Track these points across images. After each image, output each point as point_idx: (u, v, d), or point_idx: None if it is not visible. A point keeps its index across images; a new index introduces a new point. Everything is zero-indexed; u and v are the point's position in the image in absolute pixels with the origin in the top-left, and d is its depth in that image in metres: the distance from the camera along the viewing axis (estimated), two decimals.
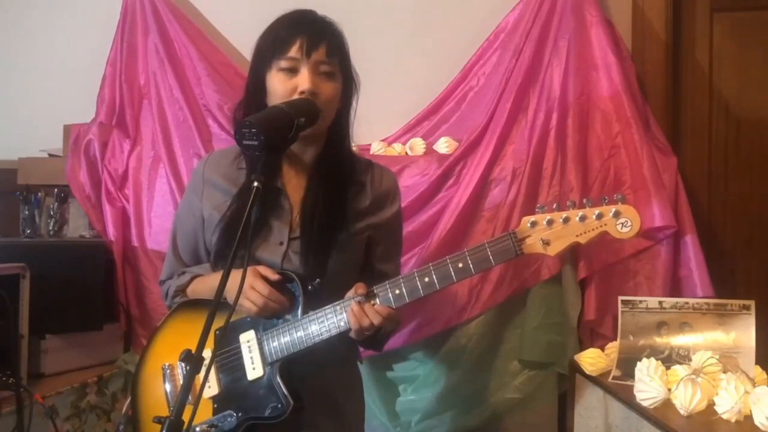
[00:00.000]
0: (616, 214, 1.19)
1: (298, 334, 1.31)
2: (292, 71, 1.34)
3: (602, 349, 1.74)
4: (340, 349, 1.39)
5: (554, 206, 1.23)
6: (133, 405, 1.44)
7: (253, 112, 1.35)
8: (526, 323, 2.01)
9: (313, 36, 1.35)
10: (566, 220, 1.21)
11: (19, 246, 2.03)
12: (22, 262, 1.81)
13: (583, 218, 1.21)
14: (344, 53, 1.42)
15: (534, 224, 1.23)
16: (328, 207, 1.38)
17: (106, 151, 2.30)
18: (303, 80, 1.33)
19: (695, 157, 2.29)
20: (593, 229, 1.20)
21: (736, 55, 2.29)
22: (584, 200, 1.23)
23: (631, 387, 1.49)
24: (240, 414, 1.31)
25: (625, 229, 1.19)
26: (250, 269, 1.29)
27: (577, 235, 1.21)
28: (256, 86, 1.40)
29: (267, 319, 1.34)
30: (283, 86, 1.34)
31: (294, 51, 1.34)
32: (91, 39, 2.46)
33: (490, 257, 1.24)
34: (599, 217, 1.20)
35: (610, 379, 1.59)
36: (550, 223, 1.22)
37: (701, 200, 2.27)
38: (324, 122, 1.38)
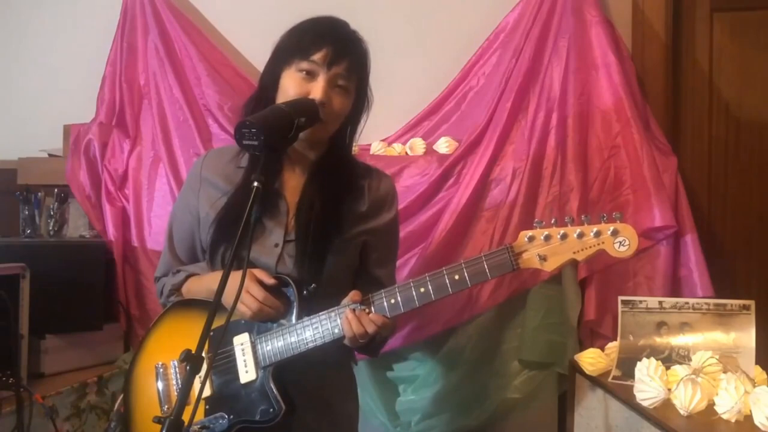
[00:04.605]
0: (614, 233, 1.19)
1: (292, 339, 1.30)
2: (310, 76, 1.34)
3: (602, 349, 1.74)
4: (334, 352, 1.38)
5: (552, 221, 1.23)
6: (125, 403, 1.44)
7: (263, 107, 1.35)
8: (526, 323, 2.01)
9: (339, 48, 1.35)
10: (564, 236, 1.21)
11: (19, 246, 2.03)
12: (22, 262, 1.81)
13: (581, 235, 1.21)
14: (364, 72, 1.42)
15: (531, 239, 1.23)
16: (324, 211, 1.38)
17: (106, 151, 2.30)
18: (317, 89, 1.33)
19: (695, 157, 2.29)
20: (590, 247, 1.20)
21: (736, 55, 2.29)
22: (582, 217, 1.22)
23: (631, 387, 1.49)
24: (232, 416, 1.31)
25: (622, 248, 1.19)
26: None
27: (574, 252, 1.21)
28: (270, 81, 1.40)
29: (261, 323, 1.34)
30: (296, 89, 1.34)
31: (317, 57, 1.33)
32: (91, 39, 2.46)
33: (487, 270, 1.24)
34: (597, 234, 1.20)
35: (610, 379, 1.59)
36: (547, 238, 1.22)
37: (701, 200, 2.27)
38: (326, 131, 1.39)
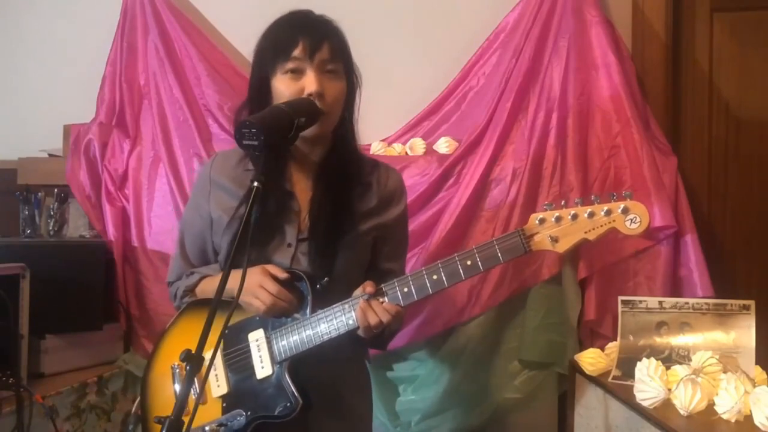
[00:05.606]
0: (625, 211, 1.19)
1: (307, 332, 1.31)
2: (297, 73, 1.34)
3: (602, 349, 1.74)
4: (348, 348, 1.39)
5: (562, 203, 1.23)
6: (142, 405, 1.44)
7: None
8: (526, 323, 2.01)
9: (315, 36, 1.35)
10: (575, 216, 1.21)
11: (19, 246, 2.03)
12: (22, 262, 1.81)
13: (591, 215, 1.21)
14: (346, 51, 1.42)
15: (542, 221, 1.23)
16: (334, 208, 1.38)
17: (106, 151, 2.30)
18: (309, 82, 1.33)
19: (695, 157, 2.29)
20: (602, 226, 1.20)
21: (736, 55, 2.29)
22: (592, 197, 1.22)
23: (631, 387, 1.49)
24: (249, 413, 1.32)
25: (633, 225, 1.19)
26: (258, 268, 1.31)
27: (585, 232, 1.21)
28: (261, 91, 1.40)
29: (276, 318, 1.34)
30: (289, 90, 1.34)
31: (297, 52, 1.33)
32: (91, 39, 2.46)
33: (499, 254, 1.24)
34: (608, 213, 1.20)
35: (610, 379, 1.59)
36: (558, 220, 1.22)
37: (701, 200, 2.27)
38: (330, 123, 1.39)
